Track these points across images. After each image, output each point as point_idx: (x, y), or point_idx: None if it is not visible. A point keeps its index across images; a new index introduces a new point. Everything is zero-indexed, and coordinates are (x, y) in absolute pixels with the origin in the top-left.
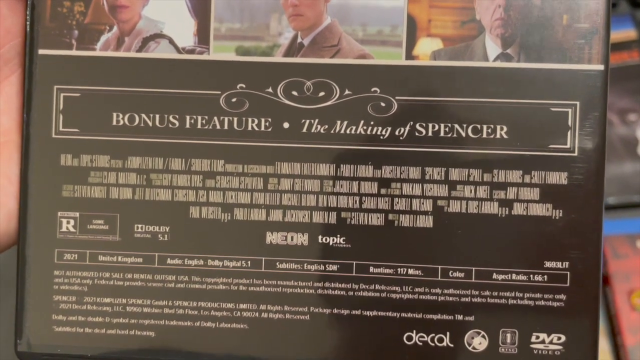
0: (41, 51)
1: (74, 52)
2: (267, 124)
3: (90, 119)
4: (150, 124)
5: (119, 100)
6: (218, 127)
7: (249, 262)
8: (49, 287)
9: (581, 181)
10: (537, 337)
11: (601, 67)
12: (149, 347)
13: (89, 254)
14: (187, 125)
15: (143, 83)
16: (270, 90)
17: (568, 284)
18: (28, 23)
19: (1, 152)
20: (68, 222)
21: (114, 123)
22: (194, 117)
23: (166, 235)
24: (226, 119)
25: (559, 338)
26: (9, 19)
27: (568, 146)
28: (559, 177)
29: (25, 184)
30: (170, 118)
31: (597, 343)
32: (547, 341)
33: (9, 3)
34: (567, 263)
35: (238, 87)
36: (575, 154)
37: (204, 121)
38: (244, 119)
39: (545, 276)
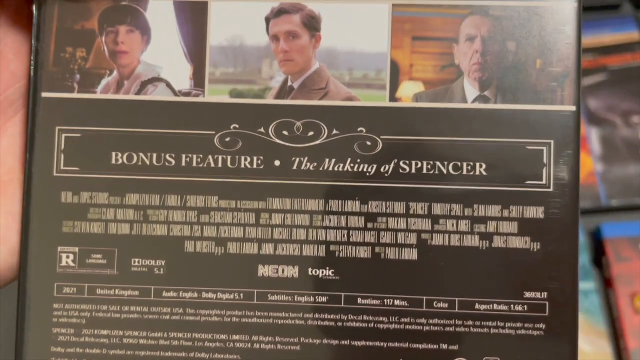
0: (44, 94)
1: (75, 95)
2: (259, 161)
3: (90, 158)
4: (147, 162)
5: (118, 140)
6: (212, 164)
7: (241, 294)
8: (48, 319)
9: (557, 215)
10: None
11: (573, 107)
12: None
13: (87, 287)
14: (183, 164)
15: (141, 124)
16: (262, 130)
17: (547, 313)
18: (32, 67)
19: (5, 190)
20: (67, 257)
21: (113, 162)
22: (190, 155)
23: (162, 269)
24: (220, 157)
25: None
26: (14, 62)
27: (544, 182)
28: (535, 211)
29: (27, 220)
30: (167, 156)
31: None
32: None
33: (14, 48)
34: (545, 293)
35: (232, 127)
36: (551, 189)
37: (199, 159)
38: (237, 157)
39: (525, 306)
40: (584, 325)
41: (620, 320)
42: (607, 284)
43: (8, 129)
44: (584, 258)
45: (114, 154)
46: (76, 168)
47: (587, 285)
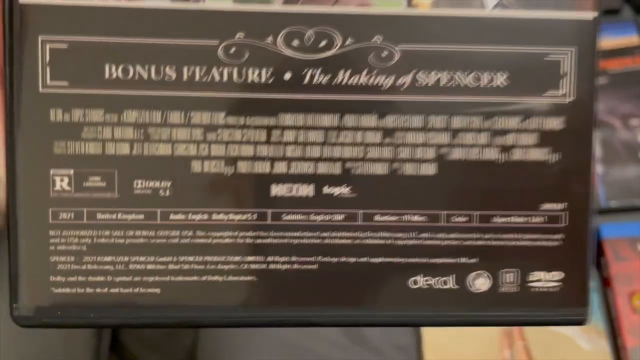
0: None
1: (59, 0)
2: (268, 75)
3: (81, 71)
4: (145, 76)
5: (111, 52)
6: (217, 78)
7: (254, 215)
8: (45, 248)
9: (576, 125)
10: (536, 276)
11: (594, 14)
12: (155, 304)
13: (86, 212)
14: (185, 78)
15: (136, 33)
16: (270, 39)
17: (565, 224)
18: None
19: None
20: (62, 180)
21: (107, 76)
22: (192, 68)
23: (168, 191)
24: (225, 70)
25: (557, 275)
26: None
27: (563, 92)
28: (555, 122)
29: (12, 142)
30: (167, 70)
31: (589, 279)
32: (545, 279)
33: None
34: (563, 204)
35: (236, 36)
36: (570, 99)
37: (202, 72)
38: (243, 69)
39: (543, 217)
40: None
41: (618, 319)
42: (605, 283)
43: None
44: None
45: (107, 66)
46: (65, 83)
47: None
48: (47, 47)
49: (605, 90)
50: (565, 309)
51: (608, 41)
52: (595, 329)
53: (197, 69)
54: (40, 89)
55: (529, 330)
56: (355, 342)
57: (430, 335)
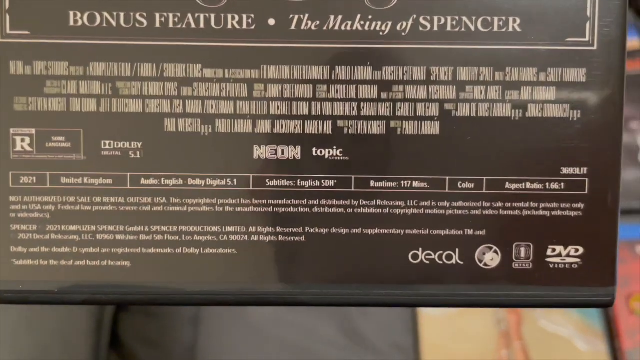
0: None
1: None
2: (250, 21)
3: (43, 19)
4: (114, 24)
5: None
6: (193, 26)
7: (234, 180)
8: (5, 215)
9: (601, 77)
10: (554, 250)
11: None
12: (125, 279)
13: (49, 176)
14: (157, 25)
15: None
16: None
17: (587, 192)
18: None
19: None
20: (23, 140)
21: (72, 24)
22: (165, 14)
23: (138, 152)
24: (202, 16)
25: (577, 250)
26: None
27: (587, 39)
28: (577, 74)
29: None
30: (137, 17)
31: (617, 254)
32: (564, 254)
33: None
34: (585, 169)
35: None
36: (595, 47)
37: (176, 19)
38: (222, 15)
39: (562, 184)
40: (581, 325)
41: (616, 321)
42: None
43: None
44: None
45: (72, 13)
46: (26, 32)
47: None
48: None
49: None
50: (587, 288)
51: None
52: (592, 330)
53: (171, 16)
54: (0, 38)
55: (526, 330)
56: (354, 342)
57: (429, 335)
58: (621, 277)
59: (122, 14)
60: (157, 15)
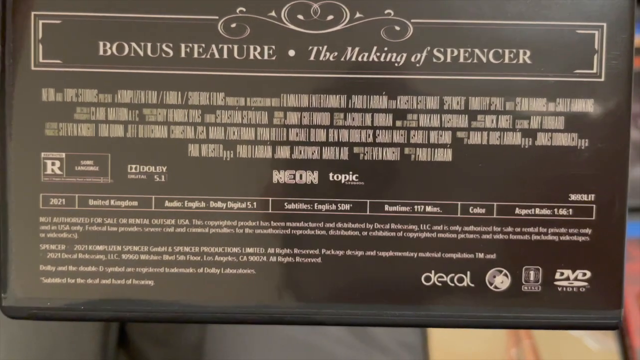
0: None
1: None
2: (271, 52)
3: (74, 48)
4: (141, 53)
5: (106, 28)
6: (217, 56)
7: (254, 203)
8: (35, 235)
9: (608, 108)
10: (562, 274)
11: None
12: (148, 297)
13: (78, 198)
14: (183, 55)
15: (132, 8)
16: (273, 14)
17: (594, 218)
18: None
19: None
20: (53, 164)
21: (101, 53)
22: (190, 45)
23: (163, 176)
24: (225, 47)
25: (584, 274)
26: None
27: (594, 71)
28: (584, 105)
29: (2, 123)
30: (164, 47)
31: (623, 278)
32: (572, 278)
33: None
34: (593, 195)
35: (237, 11)
36: (602, 79)
37: (200, 50)
38: (245, 46)
39: (570, 210)
40: None
41: (626, 319)
42: None
43: None
44: None
45: (101, 44)
46: (58, 61)
47: None
48: (40, 23)
49: None
50: (595, 311)
51: None
52: None
53: (196, 46)
54: (32, 66)
55: None
56: (362, 340)
57: (437, 334)
58: (631, 275)
59: (149, 44)
60: (183, 45)
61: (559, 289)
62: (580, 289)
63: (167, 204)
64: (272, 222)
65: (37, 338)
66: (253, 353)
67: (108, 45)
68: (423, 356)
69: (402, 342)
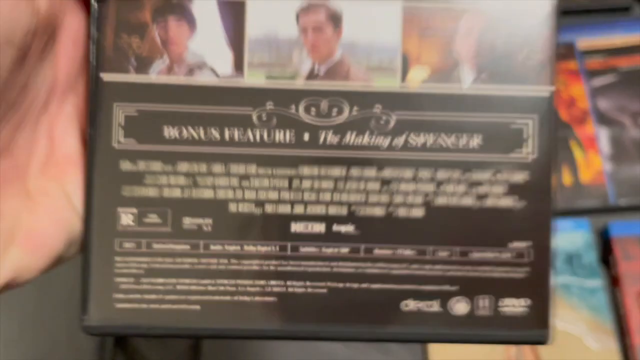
0: (103, 76)
1: (131, 77)
2: (291, 135)
3: (146, 132)
4: (195, 136)
5: (169, 117)
6: (251, 139)
7: (277, 247)
8: (111, 270)
9: (537, 179)
10: (506, 302)
11: (552, 88)
12: (195, 319)
13: (144, 243)
14: (226, 137)
15: (189, 103)
16: (293, 108)
17: (529, 260)
18: (93, 53)
19: (66, 170)
20: (127, 217)
21: (166, 135)
22: (232, 130)
23: (209, 226)
24: (258, 131)
25: (524, 302)
26: (72, 49)
27: (527, 152)
28: (520, 176)
29: (90, 186)
30: (212, 131)
31: (550, 305)
32: (514, 305)
33: (72, 36)
34: (528, 243)
35: (267, 106)
36: (533, 157)
37: (239, 134)
38: (272, 131)
39: (512, 254)
40: (591, 323)
41: (626, 318)
42: (614, 282)
43: (66, 108)
44: (592, 256)
45: (166, 128)
46: (133, 140)
47: (595, 283)
48: (121, 112)
49: (615, 88)
50: (530, 330)
51: (618, 39)
52: (603, 328)
53: (236, 131)
54: (114, 144)
55: None
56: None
57: None
58: (632, 274)
59: (201, 129)
60: (227, 130)
61: (504, 313)
62: (520, 313)
63: (211, 247)
64: (290, 261)
65: (35, 336)
66: (249, 351)
67: (171, 129)
68: (422, 355)
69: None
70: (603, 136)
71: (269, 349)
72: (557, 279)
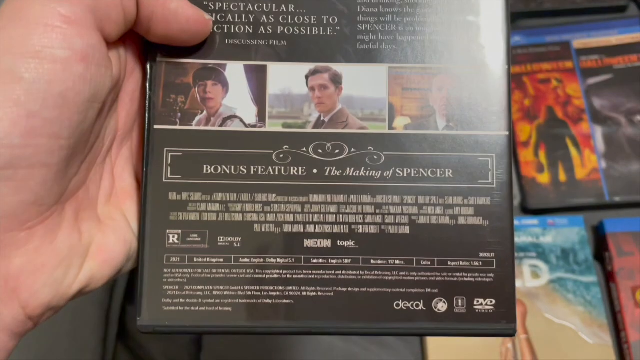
0: (156, 126)
1: (177, 127)
2: (303, 170)
3: (188, 169)
4: (228, 172)
5: (207, 157)
6: (272, 173)
7: (293, 259)
8: (160, 280)
9: (498, 202)
10: (478, 301)
11: (507, 132)
12: (227, 318)
13: (187, 257)
14: (252, 172)
15: (223, 146)
16: (304, 149)
17: (495, 267)
18: (147, 108)
19: (124, 201)
20: (174, 237)
21: (204, 172)
22: (256, 167)
23: (239, 243)
24: (277, 167)
25: (492, 301)
26: (130, 105)
27: (490, 181)
28: (485, 200)
29: (145, 213)
30: (241, 168)
31: (515, 304)
32: (484, 303)
33: (130, 95)
34: (493, 253)
35: (284, 147)
36: (494, 186)
37: (262, 169)
38: (288, 167)
39: (481, 262)
40: (587, 318)
41: (621, 314)
42: (609, 277)
43: (123, 151)
44: (587, 252)
45: (204, 166)
46: (179, 176)
47: (590, 279)
48: (169, 154)
49: (610, 86)
50: (498, 324)
51: (614, 38)
52: (598, 323)
53: (259, 167)
54: (164, 179)
55: (531, 323)
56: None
57: None
58: (626, 270)
59: (232, 166)
60: (252, 167)
61: (477, 310)
62: (489, 311)
63: (240, 260)
64: (303, 270)
65: (38, 330)
66: (251, 345)
67: (208, 167)
68: (420, 350)
69: (402, 337)
70: (598, 134)
71: (269, 342)
72: (554, 275)
